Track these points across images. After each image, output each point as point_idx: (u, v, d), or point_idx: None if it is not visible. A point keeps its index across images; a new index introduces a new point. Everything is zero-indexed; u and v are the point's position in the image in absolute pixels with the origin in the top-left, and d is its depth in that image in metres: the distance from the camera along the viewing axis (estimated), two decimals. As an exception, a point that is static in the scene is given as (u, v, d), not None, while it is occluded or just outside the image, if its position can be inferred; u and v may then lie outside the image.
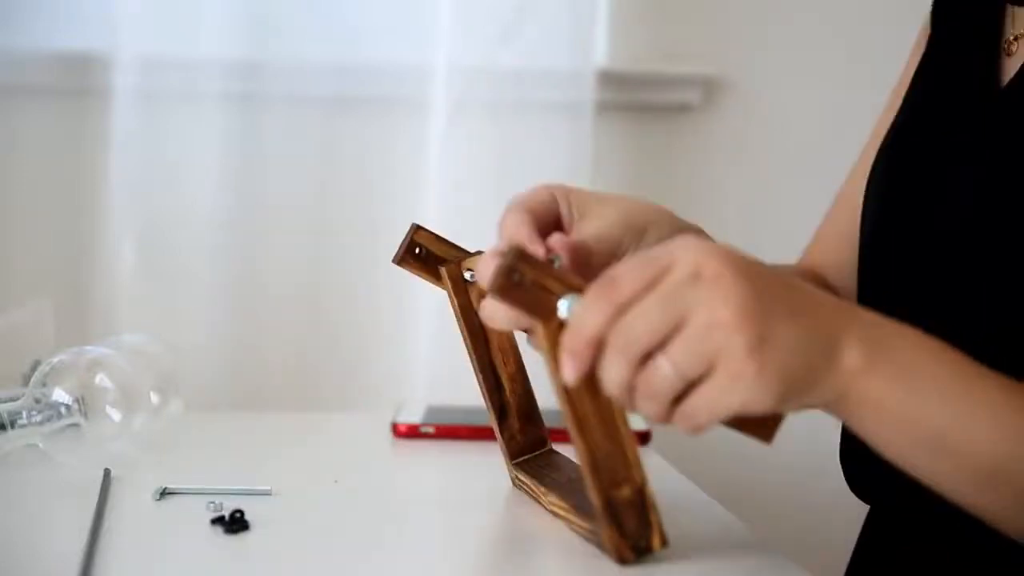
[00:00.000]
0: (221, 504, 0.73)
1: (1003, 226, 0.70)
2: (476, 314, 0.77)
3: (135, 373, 0.85)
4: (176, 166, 1.43)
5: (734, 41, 1.57)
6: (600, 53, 1.53)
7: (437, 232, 0.78)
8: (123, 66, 1.38)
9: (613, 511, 0.64)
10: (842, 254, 0.91)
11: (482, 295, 0.75)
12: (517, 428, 0.80)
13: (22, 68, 1.42)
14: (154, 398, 0.87)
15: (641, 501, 0.64)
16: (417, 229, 0.78)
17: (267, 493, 0.77)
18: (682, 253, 0.56)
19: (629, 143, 1.56)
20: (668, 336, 0.55)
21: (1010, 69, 0.77)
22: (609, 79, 1.50)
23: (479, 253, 0.77)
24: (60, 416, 0.82)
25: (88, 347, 0.85)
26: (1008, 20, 0.80)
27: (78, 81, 1.42)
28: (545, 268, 0.59)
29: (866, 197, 0.84)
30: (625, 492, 0.64)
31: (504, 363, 0.79)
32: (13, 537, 0.71)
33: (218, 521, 0.71)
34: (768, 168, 1.58)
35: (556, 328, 0.59)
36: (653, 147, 1.56)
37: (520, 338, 0.77)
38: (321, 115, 1.47)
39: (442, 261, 0.78)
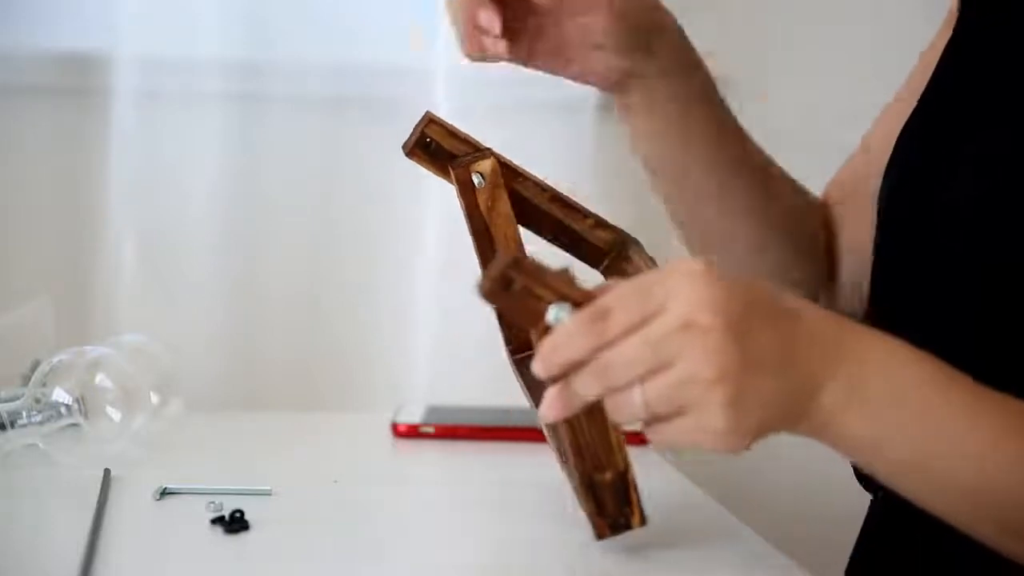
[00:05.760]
0: (221, 504, 0.73)
1: None
2: (482, 215, 0.77)
3: (135, 373, 0.85)
4: (176, 166, 1.43)
5: (734, 41, 1.57)
6: (600, 53, 1.52)
7: (450, 125, 0.77)
8: (123, 66, 1.38)
9: (593, 492, 0.65)
10: (858, 200, 0.91)
11: (489, 201, 0.77)
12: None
13: (22, 68, 1.42)
14: (154, 398, 0.87)
15: (623, 484, 0.65)
16: (429, 121, 0.76)
17: (267, 493, 0.77)
18: (677, 295, 0.56)
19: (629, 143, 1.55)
20: (647, 375, 0.56)
21: None
22: (609, 79, 1.50)
23: (489, 150, 0.77)
24: (60, 416, 0.82)
25: (88, 347, 0.85)
26: None
27: (78, 81, 1.42)
28: (536, 275, 0.59)
29: (885, 176, 0.82)
30: (607, 476, 0.65)
31: None
32: (13, 537, 0.71)
33: (218, 521, 0.71)
34: (768, 168, 1.58)
35: (544, 331, 0.59)
36: (653, 147, 1.56)
37: (526, 239, 0.78)
38: (321, 115, 1.47)
39: (453, 157, 0.77)
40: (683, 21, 1.63)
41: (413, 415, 0.98)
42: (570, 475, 0.70)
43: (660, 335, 0.55)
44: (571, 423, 0.63)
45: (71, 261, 1.44)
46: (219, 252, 1.43)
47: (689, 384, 0.55)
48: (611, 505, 0.65)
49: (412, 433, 0.96)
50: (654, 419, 0.57)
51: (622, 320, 0.56)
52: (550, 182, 0.81)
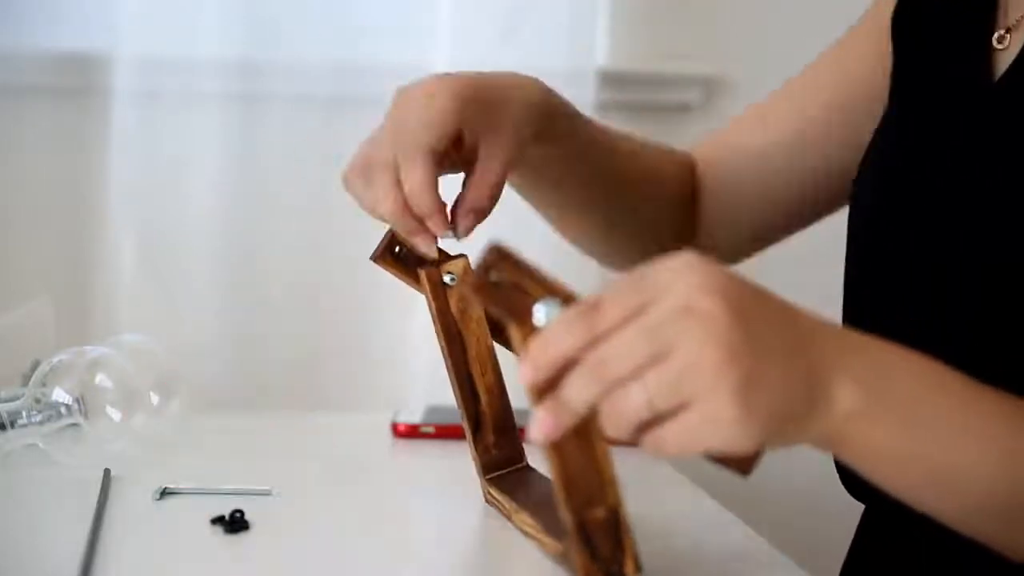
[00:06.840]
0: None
1: (1008, 230, 0.69)
2: (454, 319, 0.75)
3: (135, 373, 0.85)
4: (176, 166, 1.43)
5: (734, 41, 1.57)
6: (600, 53, 1.53)
7: None
8: (123, 66, 1.38)
9: (585, 534, 0.59)
10: (727, 164, 0.96)
11: (460, 302, 0.74)
12: (492, 442, 0.77)
13: (22, 68, 1.42)
14: (154, 398, 0.87)
15: (615, 524, 0.60)
16: None
17: (267, 493, 0.77)
18: (674, 284, 0.53)
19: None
20: (645, 366, 0.52)
21: (1002, 62, 0.75)
22: (609, 79, 1.50)
23: (461, 256, 0.75)
24: (60, 416, 0.82)
25: (88, 347, 0.85)
26: (1000, 12, 0.78)
27: (78, 81, 1.42)
28: (524, 269, 0.57)
29: (853, 197, 0.82)
30: (599, 513, 0.59)
31: (482, 372, 0.76)
32: (13, 537, 0.71)
33: (218, 521, 0.71)
34: (768, 168, 1.58)
35: (529, 331, 0.56)
36: (653, 147, 1.56)
37: (500, 349, 0.76)
38: (321, 115, 1.47)
39: (422, 262, 0.74)
40: (683, 21, 1.64)
41: (413, 415, 0.98)
42: (547, 535, 0.67)
43: (658, 321, 0.52)
44: (560, 450, 0.57)
45: (71, 261, 1.44)
46: (219, 252, 1.43)
47: (693, 370, 0.51)
48: (604, 548, 0.59)
49: (412, 433, 0.96)
50: (655, 420, 0.52)
51: (616, 310, 0.52)
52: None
